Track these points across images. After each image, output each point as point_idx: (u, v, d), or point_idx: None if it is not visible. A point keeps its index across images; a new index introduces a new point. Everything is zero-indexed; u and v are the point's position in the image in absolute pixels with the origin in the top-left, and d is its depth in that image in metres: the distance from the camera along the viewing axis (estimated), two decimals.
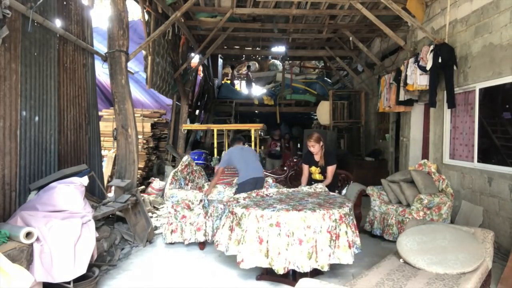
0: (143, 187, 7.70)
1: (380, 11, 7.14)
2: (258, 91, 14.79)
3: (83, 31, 4.93)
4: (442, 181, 5.13)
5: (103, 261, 4.17)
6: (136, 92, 9.97)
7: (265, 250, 3.50)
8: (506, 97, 5.01)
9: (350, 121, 11.01)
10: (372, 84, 10.04)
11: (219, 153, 8.13)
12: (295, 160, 6.36)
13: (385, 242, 5.08)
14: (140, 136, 7.72)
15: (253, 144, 8.08)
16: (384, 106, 7.79)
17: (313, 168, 5.11)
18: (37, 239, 3.04)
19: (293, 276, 3.85)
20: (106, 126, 7.90)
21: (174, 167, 8.17)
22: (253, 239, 3.55)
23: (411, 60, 6.35)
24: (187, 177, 5.47)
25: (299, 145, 14.10)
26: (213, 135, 8.66)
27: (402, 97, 6.90)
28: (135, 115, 5.71)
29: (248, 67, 16.92)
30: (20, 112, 3.63)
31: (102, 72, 6.92)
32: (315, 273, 3.75)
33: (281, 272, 3.45)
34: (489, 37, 5.00)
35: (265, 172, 5.95)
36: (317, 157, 5.06)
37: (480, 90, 5.29)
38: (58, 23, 4.34)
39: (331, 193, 4.49)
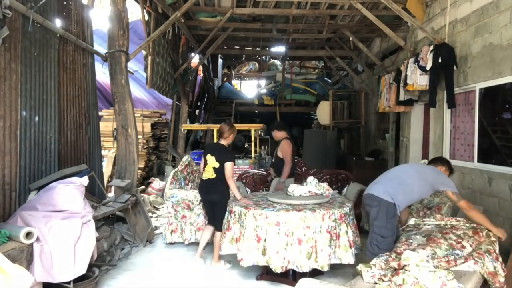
0: (143, 187, 7.70)
1: (380, 11, 7.14)
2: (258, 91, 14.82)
3: (83, 31, 4.93)
4: None
5: (103, 261, 4.17)
6: (136, 91, 9.98)
7: (262, 248, 3.51)
8: (506, 97, 5.00)
9: (350, 121, 11.00)
10: (372, 84, 10.04)
11: None
12: (295, 160, 6.35)
13: None
14: (140, 136, 7.72)
15: (253, 144, 8.09)
16: (384, 106, 7.79)
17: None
18: (37, 239, 3.04)
19: (293, 276, 3.85)
20: (106, 126, 7.91)
21: (174, 167, 8.17)
22: (250, 237, 3.55)
23: (411, 60, 6.35)
24: (187, 177, 5.47)
25: (299, 145, 14.08)
26: (213, 135, 8.66)
27: (402, 97, 6.90)
28: (135, 115, 5.71)
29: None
30: (20, 112, 3.63)
31: (102, 72, 6.91)
32: (315, 273, 3.75)
33: (278, 270, 3.46)
34: (489, 37, 4.99)
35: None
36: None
37: (480, 90, 5.28)
38: (58, 23, 4.34)
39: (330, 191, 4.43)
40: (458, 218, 3.51)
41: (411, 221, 3.65)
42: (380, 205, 3.36)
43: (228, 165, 4.25)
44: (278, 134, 5.34)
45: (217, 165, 4.31)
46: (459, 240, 3.05)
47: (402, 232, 3.54)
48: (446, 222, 3.46)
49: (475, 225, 3.32)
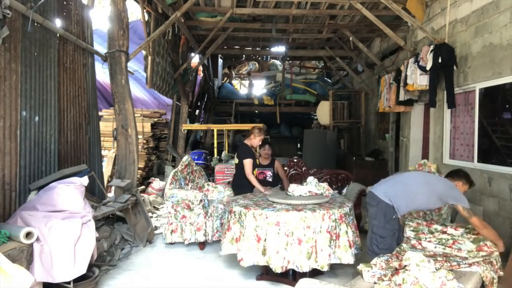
0: (143, 187, 7.70)
1: (380, 11, 7.14)
2: (258, 91, 14.82)
3: (83, 31, 4.93)
4: None
5: (103, 261, 4.17)
6: (136, 90, 9.99)
7: (262, 248, 3.51)
8: (506, 97, 5.01)
9: (350, 121, 11.01)
10: (372, 84, 10.04)
11: (219, 153, 8.13)
12: (295, 160, 6.35)
13: None
14: (140, 136, 7.72)
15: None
16: (384, 106, 7.79)
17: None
18: (37, 239, 3.04)
19: (293, 276, 3.85)
20: (106, 126, 7.91)
21: (174, 167, 8.17)
22: (250, 237, 3.55)
23: (411, 60, 6.35)
24: (187, 177, 5.46)
25: (299, 145, 14.10)
26: (213, 135, 8.66)
27: (402, 97, 6.90)
28: (135, 115, 5.71)
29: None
30: (20, 112, 3.63)
31: (102, 72, 6.91)
32: (314, 273, 3.75)
33: (278, 270, 3.46)
34: (489, 37, 4.99)
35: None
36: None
37: (480, 90, 5.28)
38: (58, 23, 4.34)
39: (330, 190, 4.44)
40: (458, 227, 3.46)
41: (411, 233, 3.59)
42: (378, 206, 3.38)
43: (244, 162, 4.78)
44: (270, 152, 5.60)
45: (236, 161, 5.00)
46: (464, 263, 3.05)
47: (405, 239, 3.53)
48: (448, 237, 3.42)
49: (476, 236, 3.29)
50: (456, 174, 3.66)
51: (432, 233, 3.47)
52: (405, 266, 2.53)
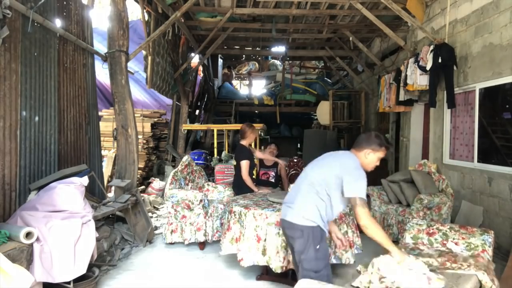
0: (143, 187, 7.70)
1: (380, 11, 7.14)
2: (258, 91, 14.83)
3: (83, 31, 4.93)
4: (442, 181, 5.13)
5: (103, 261, 4.18)
6: (136, 92, 9.98)
7: (262, 248, 3.51)
8: (506, 97, 5.02)
9: (350, 121, 11.01)
10: (372, 84, 10.04)
11: (219, 153, 8.13)
12: (295, 160, 6.35)
13: None
14: (140, 136, 7.72)
15: (253, 144, 8.07)
16: (384, 106, 7.79)
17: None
18: (37, 239, 3.04)
19: (292, 276, 3.85)
20: (106, 126, 7.91)
21: (174, 167, 8.17)
22: (250, 237, 3.56)
23: (411, 60, 6.35)
24: (187, 177, 5.47)
25: (299, 145, 14.11)
26: (213, 135, 8.66)
27: (402, 97, 6.90)
28: (135, 115, 5.71)
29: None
30: (20, 112, 3.63)
31: (102, 72, 6.92)
32: None
33: (278, 270, 3.46)
34: (489, 37, 5.00)
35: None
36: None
37: (480, 90, 5.29)
38: (58, 23, 4.34)
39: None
40: (459, 242, 3.35)
41: (410, 240, 3.52)
42: (303, 235, 2.59)
43: (242, 164, 4.79)
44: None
45: (235, 163, 5.09)
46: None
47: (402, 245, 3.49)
48: (446, 250, 3.38)
49: (475, 252, 3.19)
50: (364, 141, 2.81)
51: (431, 243, 3.43)
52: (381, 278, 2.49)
